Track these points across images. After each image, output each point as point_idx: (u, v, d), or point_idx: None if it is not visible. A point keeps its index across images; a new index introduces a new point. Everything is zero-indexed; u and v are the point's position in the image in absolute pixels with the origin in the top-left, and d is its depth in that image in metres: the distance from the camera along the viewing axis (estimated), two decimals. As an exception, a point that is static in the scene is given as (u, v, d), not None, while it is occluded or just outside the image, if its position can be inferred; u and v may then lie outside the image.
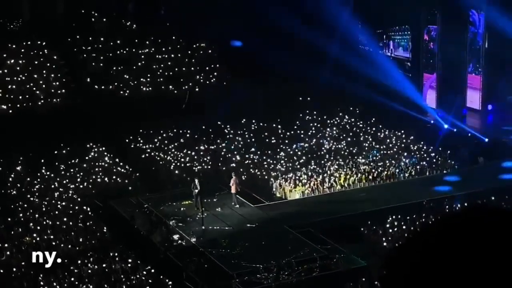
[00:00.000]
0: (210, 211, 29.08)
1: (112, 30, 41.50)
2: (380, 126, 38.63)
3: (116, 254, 25.25)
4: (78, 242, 26.09)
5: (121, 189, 31.86)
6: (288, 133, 37.79)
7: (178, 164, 34.55)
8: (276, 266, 23.97)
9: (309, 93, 40.32)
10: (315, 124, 38.99)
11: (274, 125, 38.41)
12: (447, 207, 28.51)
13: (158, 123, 36.79)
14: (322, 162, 34.27)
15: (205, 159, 34.94)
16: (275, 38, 38.21)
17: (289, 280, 23.66)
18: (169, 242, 26.59)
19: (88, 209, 29.37)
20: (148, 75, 40.11)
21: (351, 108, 40.10)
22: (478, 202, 25.62)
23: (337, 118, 39.70)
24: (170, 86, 40.09)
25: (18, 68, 38.15)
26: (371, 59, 41.80)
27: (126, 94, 39.31)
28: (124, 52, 40.69)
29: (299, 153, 35.55)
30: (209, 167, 34.18)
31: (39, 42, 39.37)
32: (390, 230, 26.88)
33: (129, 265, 24.54)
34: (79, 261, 24.51)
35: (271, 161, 34.46)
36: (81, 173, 32.68)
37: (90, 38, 40.51)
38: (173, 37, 41.87)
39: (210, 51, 42.16)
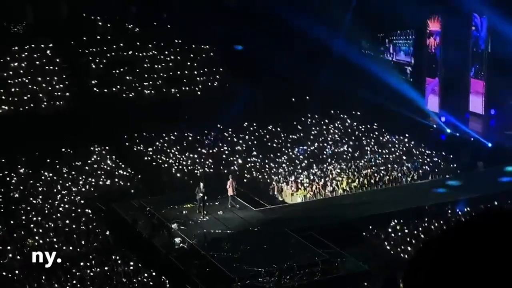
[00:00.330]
0: (212, 215, 29.08)
1: (115, 33, 41.61)
2: (383, 130, 38.63)
3: (118, 257, 25.25)
4: (80, 245, 26.11)
5: (123, 192, 31.86)
6: (290, 137, 37.79)
7: (180, 167, 34.57)
8: (277, 270, 23.96)
9: (311, 96, 40.33)
10: (317, 128, 39.01)
11: (275, 128, 38.44)
12: (449, 211, 28.50)
13: (161, 125, 36.81)
14: (324, 166, 34.26)
15: (207, 162, 34.95)
16: (277, 41, 38.24)
17: (290, 284, 23.64)
18: (170, 245, 26.58)
19: (90, 211, 29.38)
20: (151, 78, 40.16)
21: (353, 112, 40.10)
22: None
23: (338, 122, 39.69)
24: (173, 89, 40.13)
25: (21, 70, 38.25)
26: (373, 63, 41.81)
27: (129, 97, 39.35)
28: (127, 55, 40.76)
29: (301, 156, 35.55)
30: (211, 170, 34.17)
31: (42, 45, 39.47)
32: (393, 235, 26.87)
33: (131, 268, 24.55)
34: (81, 264, 24.52)
35: (273, 165, 34.46)
36: (84, 176, 32.72)
37: (93, 41, 40.60)
38: (176, 40, 41.94)
39: (212, 54, 42.22)
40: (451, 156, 35.17)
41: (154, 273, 24.19)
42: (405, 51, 42.47)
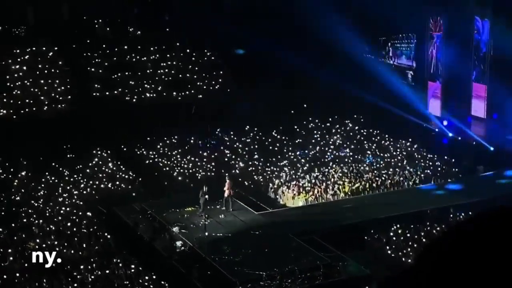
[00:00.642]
0: (213, 218, 29.05)
1: (117, 36, 41.63)
2: (385, 134, 38.62)
3: (119, 260, 25.23)
4: (81, 248, 26.09)
5: (124, 195, 31.85)
6: (291, 140, 37.79)
7: (182, 170, 34.56)
8: (279, 274, 23.93)
9: (313, 100, 40.32)
10: (319, 131, 39.01)
11: (277, 132, 38.44)
12: (451, 216, 28.46)
13: (162, 129, 36.81)
14: (326, 169, 34.23)
15: (209, 165, 34.94)
16: (279, 45, 38.21)
17: (292, 288, 23.63)
18: (172, 249, 26.56)
19: (92, 215, 29.36)
20: (152, 81, 40.18)
21: (355, 116, 40.10)
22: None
23: (339, 126, 39.69)
24: (174, 93, 40.14)
25: (22, 73, 38.26)
26: (374, 66, 41.81)
27: (130, 100, 39.36)
28: (128, 58, 40.79)
29: (303, 160, 35.54)
30: (212, 174, 34.14)
31: (43, 48, 39.50)
32: (394, 239, 26.84)
33: (132, 271, 24.52)
34: (82, 267, 24.50)
35: (274, 169, 34.43)
36: (85, 179, 32.71)
37: (95, 44, 40.64)
38: (177, 43, 41.96)
39: (214, 57, 42.25)
40: (453, 160, 35.13)
41: (155, 277, 24.16)
42: (406, 55, 42.46)
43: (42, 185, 31.94)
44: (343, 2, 40.28)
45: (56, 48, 39.75)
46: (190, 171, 34.44)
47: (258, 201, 30.99)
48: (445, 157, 35.50)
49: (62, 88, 38.49)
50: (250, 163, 35.28)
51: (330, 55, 39.12)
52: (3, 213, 29.19)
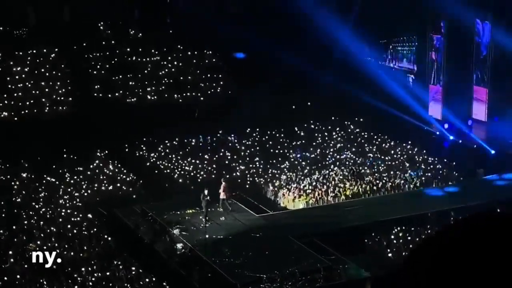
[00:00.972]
0: (214, 220, 29.07)
1: (118, 38, 41.66)
2: (386, 136, 38.62)
3: (119, 262, 25.24)
4: (82, 250, 26.09)
5: (125, 197, 31.87)
6: (292, 143, 37.80)
7: (182, 172, 34.57)
8: (279, 276, 23.94)
9: (314, 103, 40.35)
10: (320, 134, 39.01)
11: (278, 134, 38.45)
12: (452, 218, 28.44)
13: (163, 131, 36.80)
14: (327, 172, 34.23)
15: (209, 167, 34.95)
16: (280, 47, 38.24)
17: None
18: (172, 251, 26.56)
19: (92, 217, 29.37)
20: (153, 83, 40.19)
21: (356, 118, 40.11)
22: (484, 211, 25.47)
23: (340, 128, 39.69)
24: (175, 94, 40.16)
25: (24, 75, 38.29)
26: (375, 69, 41.84)
27: (131, 101, 39.39)
28: (130, 60, 40.82)
29: (304, 162, 35.54)
30: (213, 176, 34.14)
31: (45, 50, 39.53)
32: (395, 241, 26.84)
33: (133, 273, 24.53)
34: (83, 269, 24.51)
35: (275, 171, 34.43)
36: (86, 181, 32.73)
37: (96, 46, 40.67)
38: (179, 45, 41.99)
39: (215, 59, 42.27)
40: (454, 163, 35.13)
41: (155, 279, 24.16)
42: (407, 57, 42.47)
43: (43, 187, 31.94)
44: (344, 5, 40.34)
45: (57, 50, 39.78)
46: (192, 174, 34.43)
47: (258, 204, 31.00)
48: (445, 160, 35.49)
49: (63, 90, 38.51)
50: (251, 165, 35.28)
51: (331, 57, 39.15)
52: (3, 215, 29.18)
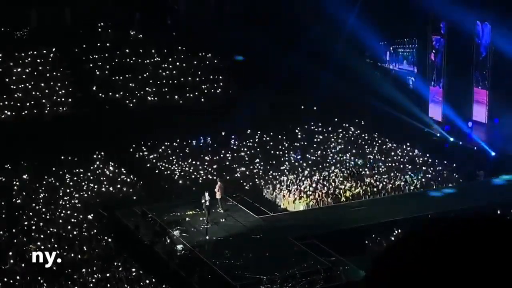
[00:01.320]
0: (214, 222, 29.07)
1: (118, 39, 41.68)
2: (386, 138, 38.64)
3: (119, 263, 25.25)
4: (82, 251, 26.10)
5: (125, 199, 31.86)
6: (293, 144, 37.81)
7: (183, 174, 34.58)
8: (279, 278, 23.94)
9: (314, 104, 40.37)
10: (320, 135, 39.03)
11: (279, 136, 38.46)
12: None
13: (163, 132, 36.81)
14: (327, 173, 34.23)
15: (210, 169, 34.95)
16: (281, 48, 38.29)
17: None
18: (172, 252, 26.57)
19: (92, 218, 29.38)
20: (154, 85, 40.21)
21: (357, 120, 40.12)
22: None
23: (341, 130, 39.72)
24: (176, 96, 40.17)
25: (24, 76, 38.32)
26: (376, 71, 41.89)
27: (132, 103, 39.40)
28: (130, 61, 40.84)
29: (304, 164, 35.55)
30: (213, 177, 34.15)
31: (45, 51, 39.55)
32: (395, 243, 26.77)
33: (133, 274, 24.54)
34: (83, 270, 24.51)
35: (275, 173, 34.43)
36: (86, 182, 32.73)
37: (96, 47, 40.69)
38: (179, 47, 42.01)
39: (216, 61, 42.30)
40: (454, 165, 35.14)
41: (155, 280, 24.16)
42: (408, 59, 42.49)
43: (43, 188, 31.95)
44: (344, 7, 40.36)
45: (58, 51, 39.80)
46: (192, 176, 34.42)
47: (259, 205, 31.01)
48: (445, 162, 35.50)
49: (64, 91, 38.53)
50: (251, 166, 35.29)
51: (331, 58, 39.16)
52: (4, 216, 29.19)
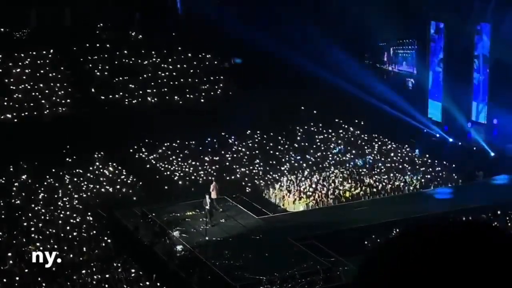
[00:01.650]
0: (214, 223, 29.07)
1: (118, 40, 41.68)
2: (385, 139, 38.66)
3: (119, 264, 25.24)
4: (82, 252, 26.09)
5: (125, 199, 31.86)
6: (293, 145, 37.82)
7: (183, 174, 34.58)
8: (279, 278, 23.94)
9: (314, 104, 40.39)
10: (320, 136, 39.04)
11: (279, 136, 38.47)
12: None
13: (163, 133, 36.81)
14: (327, 174, 34.24)
15: (210, 170, 34.94)
16: (280, 49, 38.27)
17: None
18: (172, 253, 26.56)
19: (92, 218, 29.37)
20: (154, 85, 40.21)
21: (356, 121, 40.14)
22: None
23: (341, 130, 39.74)
24: (176, 97, 40.17)
25: (24, 77, 38.31)
26: (375, 72, 41.90)
27: (132, 104, 39.40)
28: (130, 62, 40.84)
29: (304, 164, 35.56)
30: (213, 178, 34.13)
31: (45, 52, 39.55)
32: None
33: (132, 275, 24.53)
34: (82, 271, 24.50)
35: (275, 174, 34.43)
36: (86, 183, 32.73)
37: (96, 48, 40.69)
38: (179, 48, 42.01)
39: (216, 61, 42.31)
40: (454, 166, 35.15)
41: (155, 281, 24.15)
42: (407, 61, 42.49)
43: (43, 189, 31.94)
44: (343, 8, 40.38)
45: (57, 52, 39.79)
46: (192, 177, 34.41)
47: (258, 206, 31.01)
48: (445, 162, 35.51)
49: (63, 91, 38.53)
50: (251, 167, 35.29)
51: (330, 59, 39.18)
52: (3, 217, 29.18)
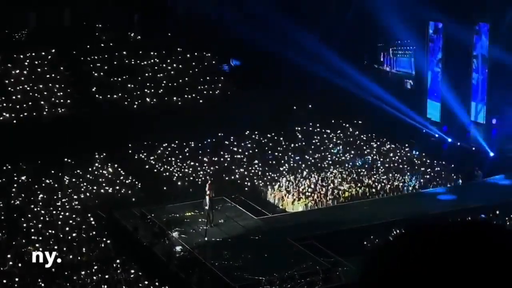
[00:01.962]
0: (214, 224, 29.07)
1: (117, 40, 41.69)
2: (384, 139, 38.68)
3: (118, 265, 25.24)
4: (81, 253, 26.09)
5: (124, 200, 31.86)
6: (292, 145, 37.83)
7: (182, 175, 34.58)
8: (278, 279, 23.95)
9: (313, 104, 40.42)
10: (319, 136, 39.05)
11: (277, 137, 38.48)
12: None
13: (162, 133, 36.82)
14: (326, 174, 34.25)
15: (209, 170, 34.96)
16: (280, 50, 38.30)
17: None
18: (171, 254, 26.56)
19: (91, 219, 29.37)
20: (153, 86, 40.21)
21: (355, 121, 40.16)
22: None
23: (340, 131, 39.75)
24: (175, 97, 40.17)
25: (23, 77, 38.30)
26: (373, 72, 41.91)
27: (131, 104, 39.39)
28: (129, 62, 40.84)
29: (303, 165, 35.57)
30: (212, 179, 34.13)
31: (44, 52, 39.54)
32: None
33: (132, 276, 24.53)
34: (82, 272, 24.50)
35: (274, 174, 34.44)
36: (85, 183, 32.73)
37: (95, 49, 40.68)
38: (178, 48, 42.02)
39: (214, 62, 42.33)
40: (452, 166, 35.17)
41: (154, 281, 24.16)
42: (406, 61, 42.50)
43: (42, 190, 31.93)
44: (342, 8, 40.42)
45: (56, 53, 39.80)
46: (191, 177, 34.42)
47: (258, 206, 31.02)
48: (444, 162, 35.53)
49: (62, 92, 38.53)
50: (250, 168, 35.30)
51: (330, 60, 39.21)
52: (2, 218, 29.16)
